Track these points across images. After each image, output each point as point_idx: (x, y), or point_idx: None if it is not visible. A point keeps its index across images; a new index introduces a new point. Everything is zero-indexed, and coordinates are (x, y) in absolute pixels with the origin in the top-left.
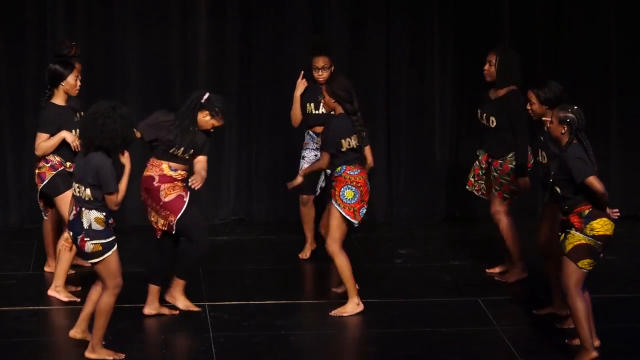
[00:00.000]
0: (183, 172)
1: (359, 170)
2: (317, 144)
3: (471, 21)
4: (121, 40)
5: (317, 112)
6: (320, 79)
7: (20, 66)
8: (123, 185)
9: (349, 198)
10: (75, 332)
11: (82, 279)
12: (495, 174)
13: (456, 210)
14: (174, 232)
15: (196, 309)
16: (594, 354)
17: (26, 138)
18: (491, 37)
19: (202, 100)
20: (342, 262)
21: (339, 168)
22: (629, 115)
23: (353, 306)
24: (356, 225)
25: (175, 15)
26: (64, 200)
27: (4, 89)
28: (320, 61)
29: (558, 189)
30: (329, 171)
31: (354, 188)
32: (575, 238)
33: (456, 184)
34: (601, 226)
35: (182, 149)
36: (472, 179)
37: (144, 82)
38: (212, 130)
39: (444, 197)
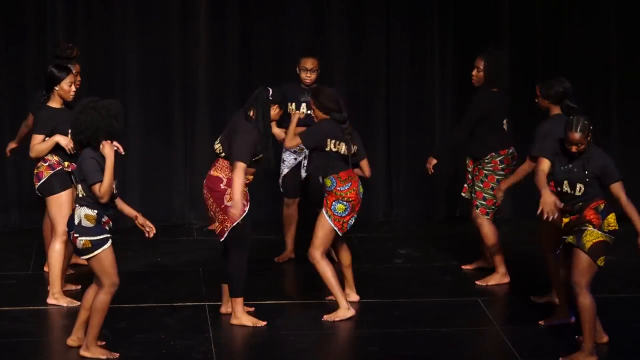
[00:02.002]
0: (251, 177)
1: (349, 184)
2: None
3: (471, 21)
4: (121, 40)
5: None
6: (307, 81)
7: (20, 66)
8: (106, 176)
9: (339, 211)
10: (72, 340)
11: (82, 278)
12: (473, 179)
13: (456, 210)
14: (222, 239)
15: (262, 323)
16: (594, 358)
17: (26, 138)
18: (491, 37)
19: (271, 97)
20: (324, 269)
21: (329, 183)
22: (629, 115)
23: (344, 311)
24: (340, 235)
25: (175, 16)
26: (56, 201)
27: (4, 89)
28: (309, 62)
29: (582, 187)
30: (304, 174)
31: (345, 203)
32: (594, 235)
33: (456, 184)
34: (613, 221)
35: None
36: (467, 186)
37: (144, 82)
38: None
39: (444, 197)
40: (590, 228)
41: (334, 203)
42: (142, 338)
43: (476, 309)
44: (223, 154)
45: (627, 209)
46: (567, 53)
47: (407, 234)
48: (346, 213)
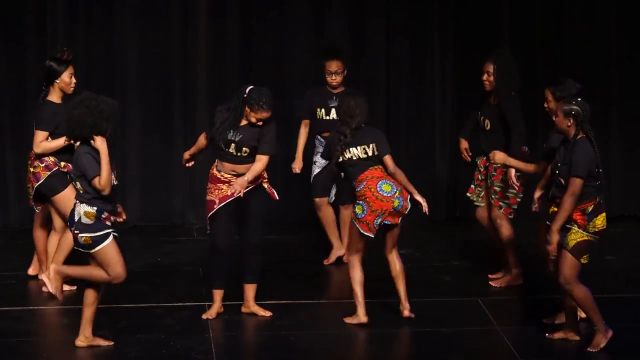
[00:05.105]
0: (228, 175)
1: (364, 184)
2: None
3: (471, 22)
4: (121, 40)
5: (327, 117)
6: (334, 83)
7: (20, 66)
8: (103, 169)
9: (358, 213)
10: (80, 341)
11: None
12: (490, 180)
13: (457, 210)
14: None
15: (208, 316)
16: (610, 333)
17: (26, 138)
18: (491, 38)
19: (245, 95)
20: (352, 275)
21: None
22: (629, 116)
23: (356, 317)
24: (372, 238)
25: (175, 15)
26: (63, 198)
27: (4, 89)
28: (334, 65)
29: (562, 180)
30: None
31: (362, 203)
32: (578, 235)
33: (456, 184)
34: (601, 222)
35: (222, 143)
36: (473, 186)
37: (144, 82)
38: (260, 124)
39: (444, 198)
40: (575, 228)
41: (355, 207)
42: (142, 338)
43: (476, 309)
44: None
45: (564, 204)
46: (567, 53)
47: (407, 234)
48: (364, 214)
